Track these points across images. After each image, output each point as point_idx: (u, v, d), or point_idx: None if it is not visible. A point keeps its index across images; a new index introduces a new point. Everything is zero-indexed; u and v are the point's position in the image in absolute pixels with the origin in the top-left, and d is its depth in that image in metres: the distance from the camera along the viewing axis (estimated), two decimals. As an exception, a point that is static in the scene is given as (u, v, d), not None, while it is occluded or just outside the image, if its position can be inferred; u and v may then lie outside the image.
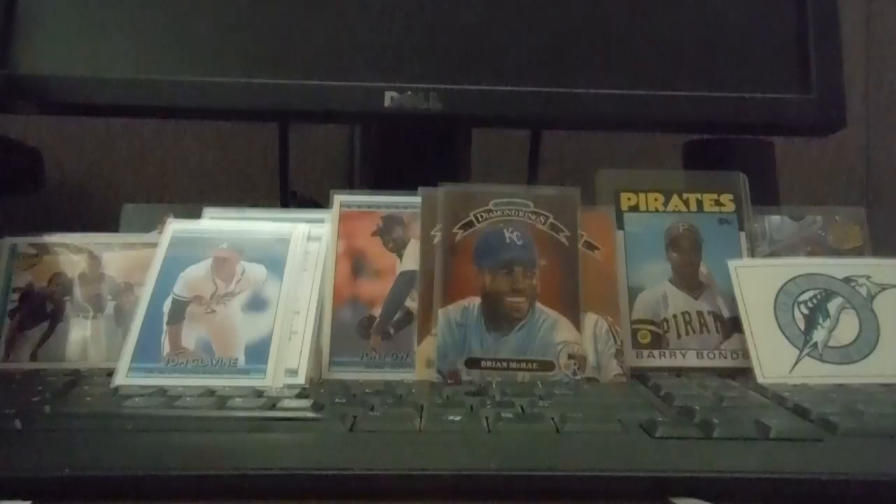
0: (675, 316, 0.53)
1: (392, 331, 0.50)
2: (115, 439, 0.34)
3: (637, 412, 0.38)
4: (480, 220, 0.52)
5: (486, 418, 0.36)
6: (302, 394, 0.41)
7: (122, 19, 0.57)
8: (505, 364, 0.48)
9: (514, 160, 0.84)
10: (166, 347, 0.46)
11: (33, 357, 0.51)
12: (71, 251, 0.54)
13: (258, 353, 0.46)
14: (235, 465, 0.31)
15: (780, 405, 0.41)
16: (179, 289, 0.49)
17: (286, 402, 0.39)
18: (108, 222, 0.59)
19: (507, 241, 0.51)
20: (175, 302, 0.48)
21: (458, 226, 0.52)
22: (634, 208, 0.57)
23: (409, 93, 0.56)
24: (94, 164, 0.90)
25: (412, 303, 0.50)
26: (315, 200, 0.73)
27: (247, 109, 0.57)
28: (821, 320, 0.50)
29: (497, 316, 0.49)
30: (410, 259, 0.52)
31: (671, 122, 0.60)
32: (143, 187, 0.89)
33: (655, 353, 0.52)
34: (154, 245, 0.51)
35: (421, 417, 0.36)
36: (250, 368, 0.46)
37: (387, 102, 0.56)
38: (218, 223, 0.54)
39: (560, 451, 0.33)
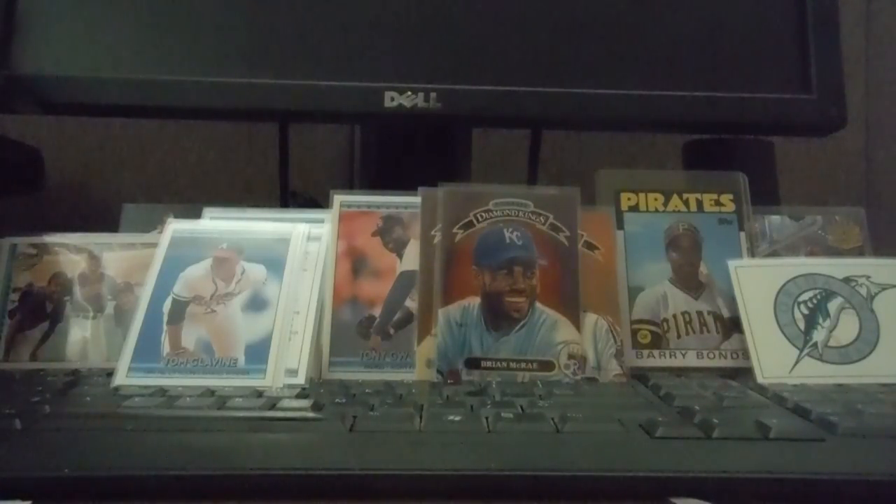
0: (675, 316, 0.53)
1: (392, 331, 0.50)
2: (115, 439, 0.34)
3: (637, 412, 0.38)
4: (480, 220, 0.52)
5: (486, 418, 0.36)
6: (302, 394, 0.42)
7: (123, 19, 0.57)
8: (505, 364, 0.48)
9: (514, 160, 0.84)
10: (166, 347, 0.46)
11: (33, 357, 0.51)
12: (71, 251, 0.54)
13: (258, 353, 0.46)
14: (235, 465, 0.31)
15: (780, 405, 0.41)
16: (179, 289, 0.49)
17: (286, 402, 0.39)
18: (108, 222, 0.59)
19: (507, 241, 0.51)
20: (175, 302, 0.48)
21: (458, 226, 0.52)
22: (634, 208, 0.57)
23: (409, 93, 0.56)
24: (94, 164, 0.90)
25: (412, 303, 0.50)
26: (315, 200, 0.73)
27: (247, 109, 0.57)
28: (821, 320, 0.50)
29: (497, 316, 0.49)
30: (410, 259, 0.52)
31: (671, 122, 0.60)
32: (143, 187, 0.89)
33: (655, 353, 0.52)
34: (154, 245, 0.52)
35: (421, 417, 0.36)
36: (250, 368, 0.46)
37: (387, 102, 0.56)
38: (218, 223, 0.54)
39: (560, 451, 0.33)
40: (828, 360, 0.48)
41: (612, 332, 0.49)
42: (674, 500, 0.29)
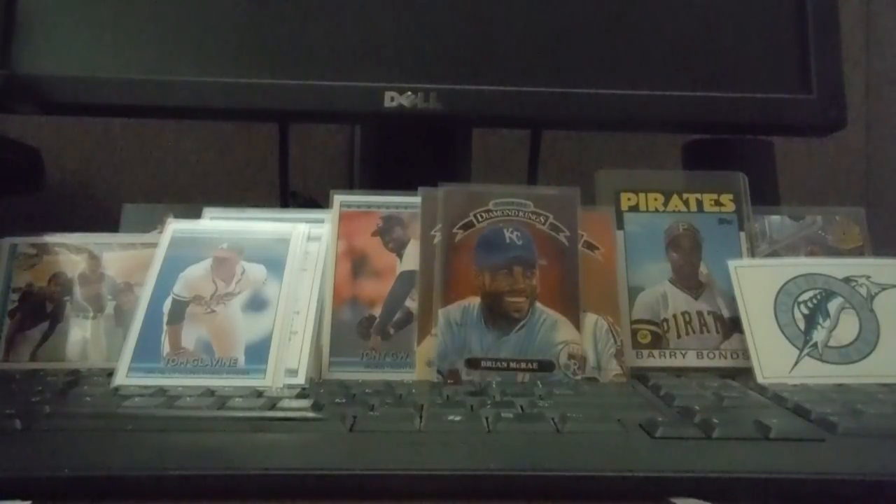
0: (675, 316, 0.53)
1: (392, 331, 0.50)
2: (115, 439, 0.34)
3: (637, 412, 0.38)
4: (480, 220, 0.52)
5: (486, 418, 0.36)
6: (302, 394, 0.41)
7: (123, 19, 0.57)
8: (505, 364, 0.48)
9: (514, 160, 0.84)
10: (166, 347, 0.46)
11: (33, 357, 0.51)
12: (71, 251, 0.54)
13: (258, 353, 0.46)
14: (235, 465, 0.31)
15: (780, 405, 0.41)
16: (179, 289, 0.49)
17: (286, 402, 0.39)
18: (108, 222, 0.59)
19: (507, 241, 0.51)
20: (175, 302, 0.48)
21: (458, 226, 0.52)
22: (634, 208, 0.57)
23: (409, 93, 0.56)
24: (94, 164, 0.90)
25: (412, 303, 0.50)
26: (315, 200, 0.73)
27: (247, 109, 0.57)
28: (821, 320, 0.50)
29: (497, 316, 0.49)
30: (410, 259, 0.52)
31: (671, 122, 0.60)
32: (143, 187, 0.89)
33: (655, 353, 0.52)
34: (154, 245, 0.52)
35: (421, 417, 0.36)
36: (250, 368, 0.46)
37: (387, 102, 0.56)
38: (218, 223, 0.54)
39: (560, 451, 0.33)
40: (828, 360, 0.48)
41: (612, 332, 0.49)
42: (674, 500, 0.29)
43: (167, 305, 0.48)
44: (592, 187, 0.58)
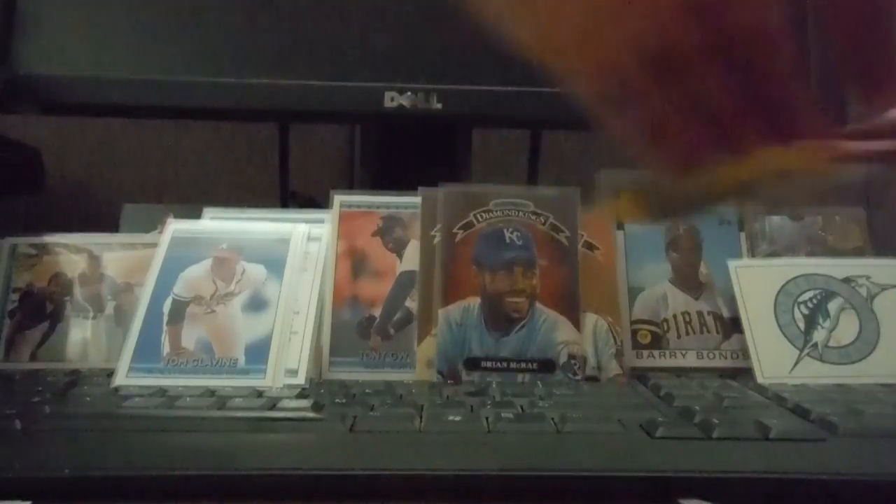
0: (675, 316, 0.53)
1: (392, 331, 0.50)
2: (115, 439, 0.34)
3: (637, 412, 0.38)
4: (480, 220, 0.52)
5: (486, 418, 0.36)
6: (302, 394, 0.42)
7: (123, 19, 0.57)
8: (505, 364, 0.48)
9: (514, 160, 0.84)
10: (166, 347, 0.46)
11: (33, 357, 0.51)
12: (71, 251, 0.54)
13: (258, 353, 0.46)
14: (235, 465, 0.31)
15: (780, 405, 0.41)
16: (179, 289, 0.49)
17: (286, 403, 0.39)
18: (108, 222, 0.59)
19: (507, 241, 0.51)
20: (175, 302, 0.48)
21: (458, 226, 0.52)
22: (634, 208, 0.57)
23: (409, 93, 0.56)
24: (94, 164, 0.90)
25: (412, 303, 0.50)
26: (315, 200, 0.73)
27: (247, 109, 0.57)
28: (821, 320, 0.50)
29: (497, 316, 0.49)
30: (410, 259, 0.52)
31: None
32: (143, 187, 0.89)
33: (655, 353, 0.52)
34: (154, 245, 0.51)
35: (421, 417, 0.36)
36: (250, 368, 0.46)
37: (387, 102, 0.56)
38: (218, 223, 0.54)
39: (560, 451, 0.33)
40: (828, 360, 0.48)
41: (612, 332, 0.49)
42: (681, 501, 0.29)
43: (167, 305, 0.48)
44: (592, 187, 0.58)
